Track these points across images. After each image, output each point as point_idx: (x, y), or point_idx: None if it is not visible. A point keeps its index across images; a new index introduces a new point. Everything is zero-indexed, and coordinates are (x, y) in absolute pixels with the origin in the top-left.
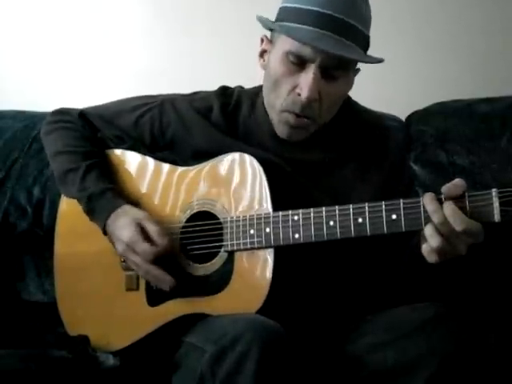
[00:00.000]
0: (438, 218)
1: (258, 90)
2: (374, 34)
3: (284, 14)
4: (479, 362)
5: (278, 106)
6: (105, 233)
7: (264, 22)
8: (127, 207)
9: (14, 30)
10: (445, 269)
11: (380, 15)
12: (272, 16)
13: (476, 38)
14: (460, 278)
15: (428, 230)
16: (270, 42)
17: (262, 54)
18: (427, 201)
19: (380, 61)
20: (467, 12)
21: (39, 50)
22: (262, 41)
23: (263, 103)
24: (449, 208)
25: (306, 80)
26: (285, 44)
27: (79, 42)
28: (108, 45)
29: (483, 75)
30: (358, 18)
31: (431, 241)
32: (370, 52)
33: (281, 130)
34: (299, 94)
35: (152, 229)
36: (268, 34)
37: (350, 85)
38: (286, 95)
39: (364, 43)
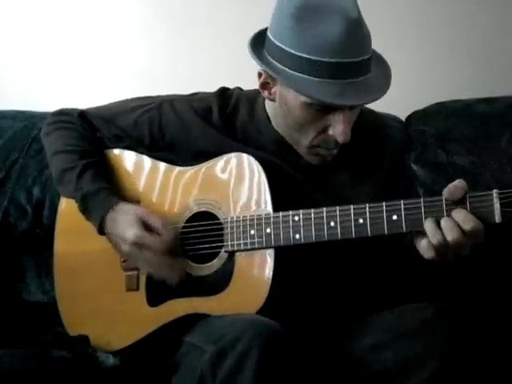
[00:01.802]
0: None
1: (256, 94)
2: (374, 34)
3: (286, 58)
4: (479, 362)
5: (307, 144)
6: (101, 232)
7: (264, 64)
8: (124, 205)
9: (14, 31)
10: (445, 268)
11: (380, 15)
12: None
13: (476, 39)
14: (460, 278)
15: (429, 226)
16: (271, 77)
17: (265, 85)
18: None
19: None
20: (467, 12)
21: (39, 50)
22: (260, 74)
23: (263, 109)
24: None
25: (340, 127)
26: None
27: (79, 42)
28: (108, 45)
29: (483, 75)
30: (366, 49)
31: (433, 238)
32: None
33: (312, 159)
34: (332, 135)
35: (156, 222)
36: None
37: None
38: (314, 135)
39: (371, 56)
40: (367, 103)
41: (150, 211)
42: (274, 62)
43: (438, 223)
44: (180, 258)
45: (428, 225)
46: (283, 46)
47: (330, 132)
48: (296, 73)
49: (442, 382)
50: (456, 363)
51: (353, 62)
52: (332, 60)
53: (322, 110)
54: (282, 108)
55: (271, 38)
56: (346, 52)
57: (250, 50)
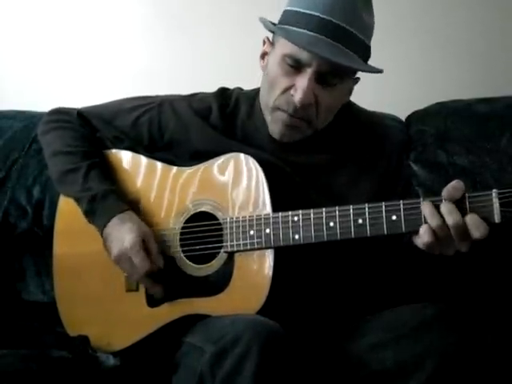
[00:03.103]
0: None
1: (256, 93)
2: (374, 34)
3: (286, 17)
4: (478, 361)
5: (271, 104)
6: (102, 235)
7: (266, 23)
8: (134, 216)
9: (13, 30)
10: (444, 268)
11: (380, 15)
12: (272, 17)
13: (476, 38)
14: (459, 278)
15: (427, 210)
16: (271, 44)
17: (264, 55)
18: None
19: (379, 71)
20: (467, 12)
21: (39, 50)
22: (264, 43)
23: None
24: (471, 217)
25: (301, 84)
26: (283, 47)
27: (79, 42)
28: (108, 45)
29: (483, 75)
30: (359, 27)
31: (432, 221)
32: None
33: (273, 129)
34: (293, 95)
35: (154, 247)
36: (270, 35)
37: (348, 93)
38: (279, 94)
39: (364, 52)
40: (335, 62)
41: (153, 234)
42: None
43: (436, 208)
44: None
45: (426, 208)
46: (288, 8)
47: (292, 91)
48: (287, 26)
49: (442, 381)
50: (456, 363)
51: (336, 24)
52: (315, 13)
53: (293, 66)
54: (265, 74)
55: (284, 9)
56: (333, 12)
57: (261, 18)
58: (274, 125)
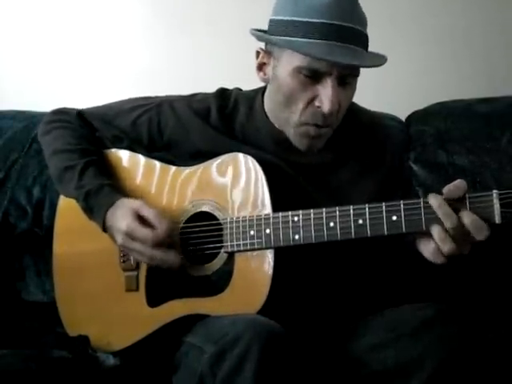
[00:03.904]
0: (452, 222)
1: (255, 93)
2: (375, 34)
3: (280, 27)
4: (479, 361)
5: (295, 121)
6: (105, 230)
7: (260, 36)
8: (124, 200)
9: (13, 30)
10: (446, 269)
11: (380, 15)
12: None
13: (476, 38)
14: (460, 278)
15: (439, 234)
16: (269, 54)
17: (261, 66)
18: (435, 204)
19: (385, 61)
20: (467, 12)
21: (39, 50)
22: (258, 53)
23: (262, 107)
24: (469, 217)
25: (327, 93)
26: (293, 59)
27: (79, 41)
28: (108, 45)
29: (483, 75)
30: (358, 21)
31: (443, 246)
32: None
33: (300, 143)
34: (319, 107)
35: (149, 213)
36: (261, 44)
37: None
38: (302, 109)
39: (366, 43)
40: (354, 65)
41: (146, 203)
42: (271, 36)
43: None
44: (177, 251)
45: (434, 230)
46: (278, 17)
47: (317, 103)
48: (287, 37)
49: (443, 381)
50: (456, 363)
51: (341, 25)
52: (318, 20)
53: (310, 77)
54: (274, 86)
55: (271, 18)
56: (334, 15)
57: (252, 30)
58: (301, 139)
